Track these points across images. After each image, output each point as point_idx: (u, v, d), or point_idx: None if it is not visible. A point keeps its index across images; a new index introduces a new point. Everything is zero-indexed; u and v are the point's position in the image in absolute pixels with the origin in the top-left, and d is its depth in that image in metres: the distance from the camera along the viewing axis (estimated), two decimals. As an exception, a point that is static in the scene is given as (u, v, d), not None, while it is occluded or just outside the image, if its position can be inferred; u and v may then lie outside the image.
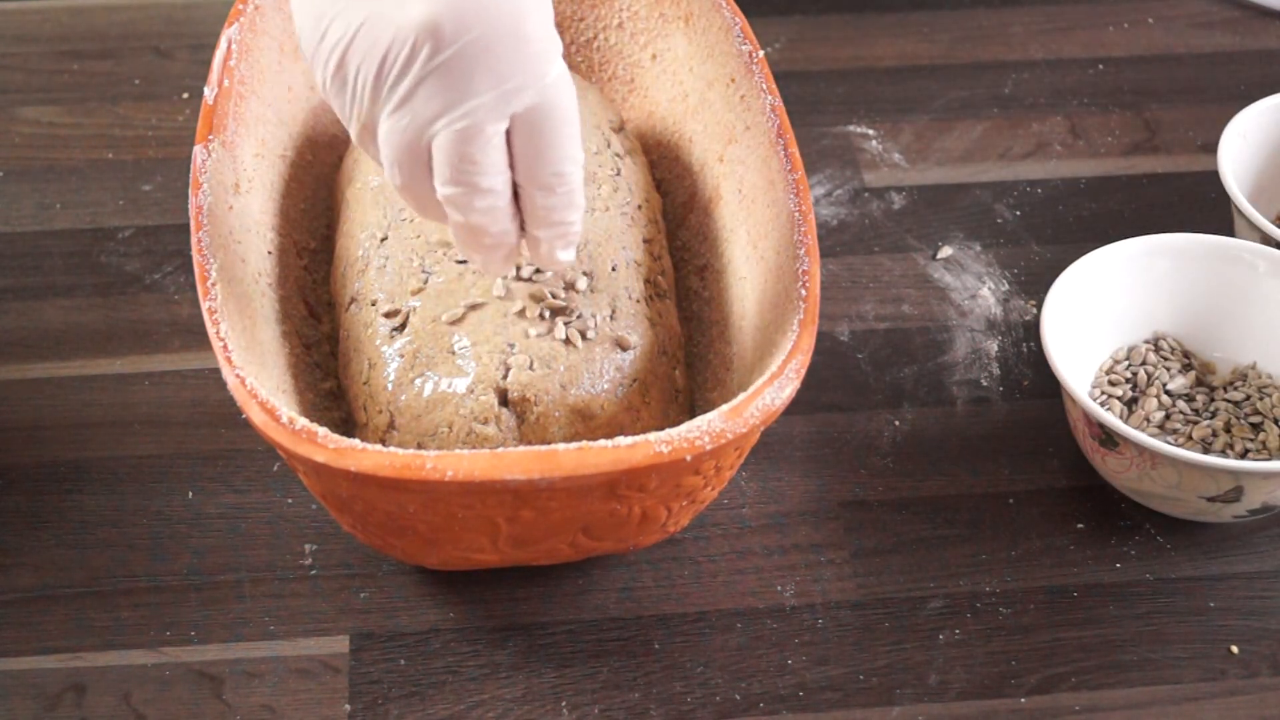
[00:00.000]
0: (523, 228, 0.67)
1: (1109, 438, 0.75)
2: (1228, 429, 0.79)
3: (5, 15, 1.05)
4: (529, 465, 0.63)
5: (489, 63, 0.61)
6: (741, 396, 0.66)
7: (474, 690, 0.72)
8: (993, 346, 0.86)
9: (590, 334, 0.72)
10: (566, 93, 0.64)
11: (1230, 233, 0.87)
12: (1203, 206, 0.94)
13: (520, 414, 0.70)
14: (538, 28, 0.62)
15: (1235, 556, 0.77)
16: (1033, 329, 0.87)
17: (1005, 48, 1.05)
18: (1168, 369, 0.81)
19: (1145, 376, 0.81)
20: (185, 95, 1.00)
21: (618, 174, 0.80)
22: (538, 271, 0.74)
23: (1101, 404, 0.80)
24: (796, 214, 0.74)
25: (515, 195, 0.65)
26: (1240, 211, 0.84)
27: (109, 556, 0.76)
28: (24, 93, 1.00)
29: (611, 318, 0.74)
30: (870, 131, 0.98)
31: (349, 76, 0.63)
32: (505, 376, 0.71)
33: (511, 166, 0.64)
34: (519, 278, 0.73)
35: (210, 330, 0.68)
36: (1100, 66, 1.03)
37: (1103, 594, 0.76)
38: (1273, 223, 0.88)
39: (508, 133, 0.63)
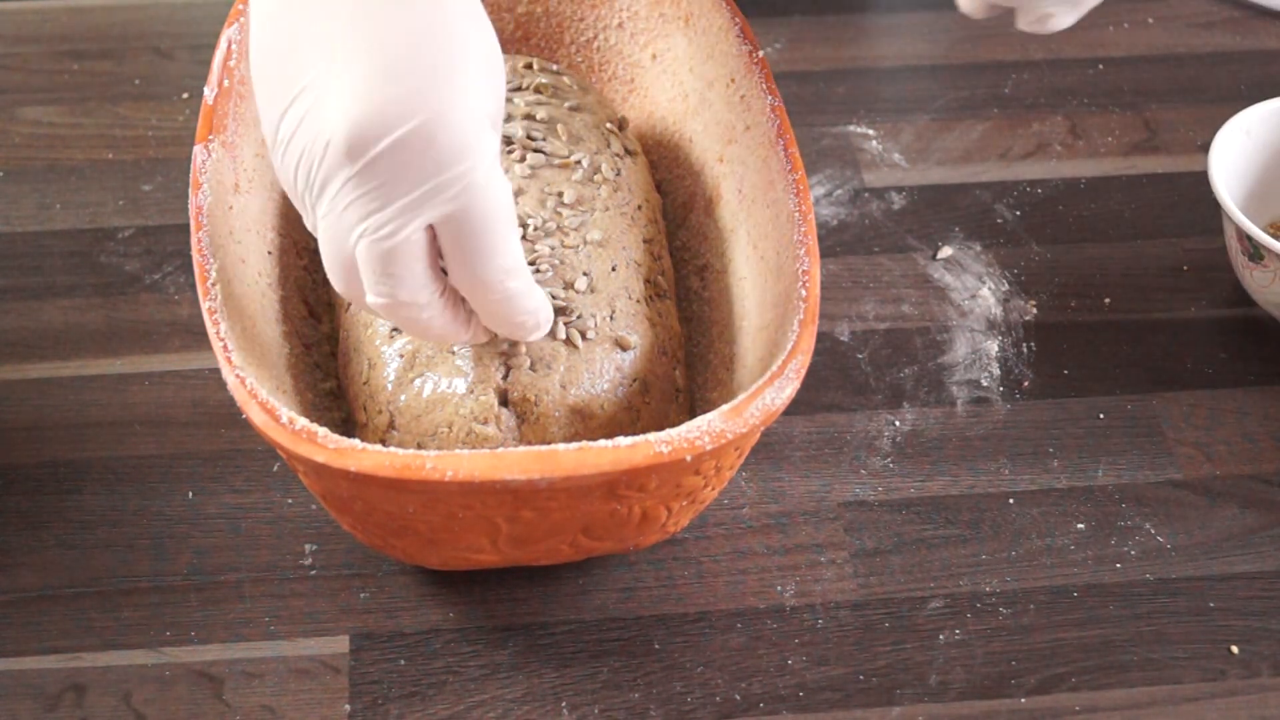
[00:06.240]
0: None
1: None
2: None
3: (5, 15, 1.05)
4: (529, 465, 0.63)
5: (401, 172, 0.59)
6: (741, 396, 0.66)
7: (474, 690, 0.72)
8: (993, 346, 0.86)
9: (590, 334, 0.72)
10: (489, 198, 0.60)
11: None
12: (1203, 206, 0.93)
13: (520, 414, 0.70)
14: (455, 134, 0.59)
15: (1235, 556, 0.77)
16: (1033, 329, 0.87)
17: (1005, 48, 1.05)
18: None
19: None
20: (185, 95, 1.00)
21: (618, 174, 0.80)
22: (537, 271, 0.74)
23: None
24: (796, 214, 0.74)
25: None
26: (1229, 217, 0.84)
27: (109, 557, 0.76)
28: (24, 93, 1.00)
29: (611, 318, 0.74)
30: (870, 131, 0.98)
31: (291, 178, 0.62)
32: (505, 376, 0.71)
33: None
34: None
35: (210, 330, 0.68)
36: (1100, 66, 1.03)
37: (1103, 594, 0.76)
38: (1267, 228, 0.88)
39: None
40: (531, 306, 0.65)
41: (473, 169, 0.60)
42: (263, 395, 0.65)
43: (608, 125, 0.82)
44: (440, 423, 0.70)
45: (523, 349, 0.71)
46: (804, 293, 0.70)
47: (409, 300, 0.61)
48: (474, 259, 0.61)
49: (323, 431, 0.64)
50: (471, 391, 0.70)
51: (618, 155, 0.81)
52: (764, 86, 0.80)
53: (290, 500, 0.78)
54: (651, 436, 0.64)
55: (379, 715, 0.71)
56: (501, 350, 0.71)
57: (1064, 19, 0.69)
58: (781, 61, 1.03)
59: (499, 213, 0.61)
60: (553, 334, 0.72)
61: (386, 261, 0.60)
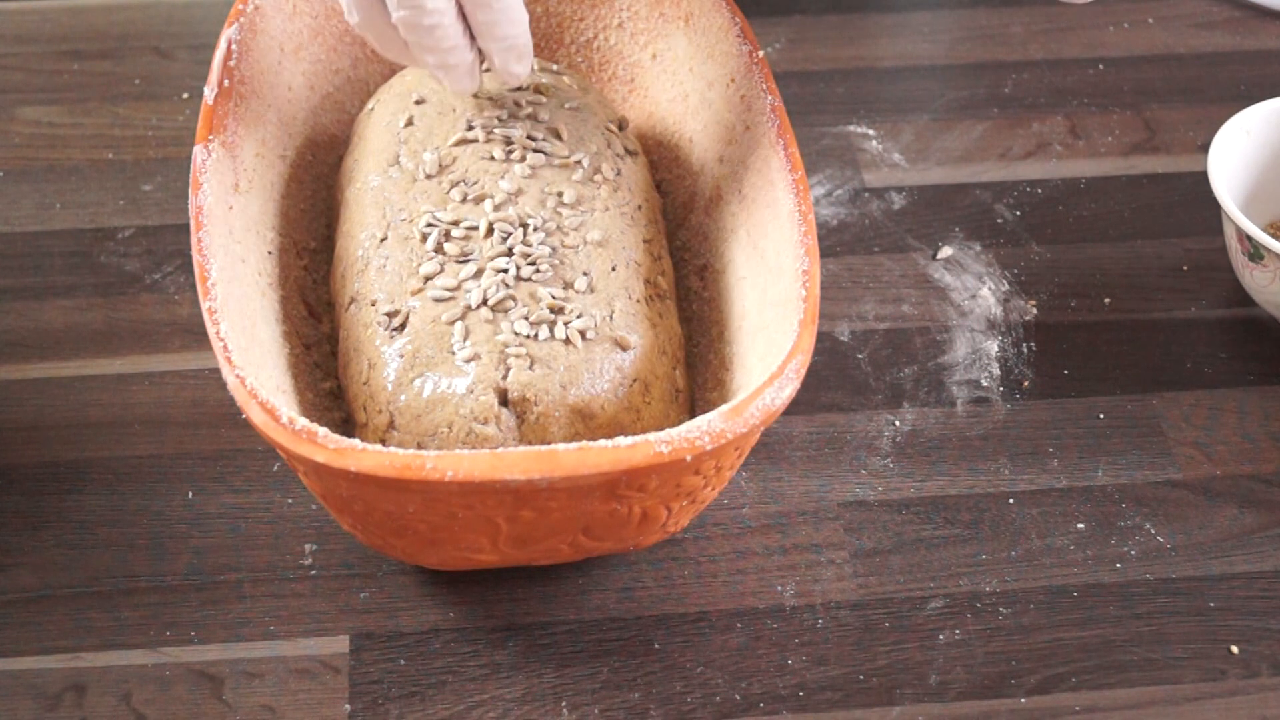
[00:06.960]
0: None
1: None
2: None
3: (5, 15, 1.05)
4: (529, 465, 0.63)
5: None
6: (741, 396, 0.66)
7: (474, 690, 0.72)
8: (993, 346, 0.86)
9: (590, 334, 0.72)
10: None
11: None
12: (1203, 206, 0.94)
13: (520, 414, 0.70)
14: None
15: (1235, 556, 0.77)
16: (1033, 329, 0.87)
17: (1005, 48, 1.05)
18: None
19: None
20: (185, 95, 1.00)
21: (618, 174, 0.80)
22: (537, 271, 0.74)
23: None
24: (796, 214, 0.74)
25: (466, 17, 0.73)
26: (1229, 217, 0.84)
27: (109, 557, 0.76)
28: (24, 93, 1.00)
29: (611, 318, 0.74)
30: (870, 131, 0.98)
31: None
32: (505, 376, 0.71)
33: None
34: (519, 278, 0.73)
35: (210, 330, 0.68)
36: (1100, 66, 1.03)
37: (1103, 594, 0.76)
38: (1267, 228, 0.88)
39: None
40: (521, 19, 0.74)
41: None
42: (263, 395, 0.65)
43: (608, 125, 0.82)
44: (440, 423, 0.70)
45: (523, 349, 0.71)
46: (804, 293, 0.70)
47: (433, 8, 0.71)
48: None
49: (323, 431, 0.64)
50: (471, 391, 0.70)
51: (618, 155, 0.81)
52: (764, 86, 0.80)
53: (290, 500, 0.78)
54: (651, 436, 0.64)
55: (379, 715, 0.71)
56: (501, 348, 0.71)
57: None
58: (781, 61, 1.03)
59: None
60: (552, 334, 0.72)
61: None
